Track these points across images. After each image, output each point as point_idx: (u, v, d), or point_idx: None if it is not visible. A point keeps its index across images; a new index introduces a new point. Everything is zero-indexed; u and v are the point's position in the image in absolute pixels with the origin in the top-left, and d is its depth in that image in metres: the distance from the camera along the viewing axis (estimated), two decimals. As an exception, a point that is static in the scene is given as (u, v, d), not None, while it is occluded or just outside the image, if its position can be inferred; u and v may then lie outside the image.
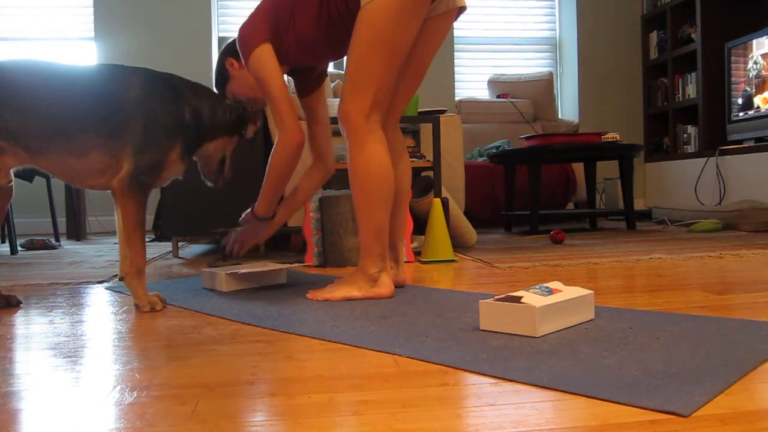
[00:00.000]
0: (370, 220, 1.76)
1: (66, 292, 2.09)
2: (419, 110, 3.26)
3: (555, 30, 6.07)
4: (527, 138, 4.06)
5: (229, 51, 1.98)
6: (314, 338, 1.36)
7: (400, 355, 1.19)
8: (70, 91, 1.67)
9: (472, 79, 5.92)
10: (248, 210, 2.03)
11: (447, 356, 1.16)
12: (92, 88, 1.69)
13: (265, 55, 1.79)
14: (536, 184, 3.84)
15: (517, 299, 1.33)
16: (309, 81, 1.99)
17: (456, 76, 5.87)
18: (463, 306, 1.63)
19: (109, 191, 1.76)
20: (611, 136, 4.06)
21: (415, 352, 1.20)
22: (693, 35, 5.14)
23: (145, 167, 1.70)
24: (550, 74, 5.52)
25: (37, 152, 1.67)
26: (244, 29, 1.83)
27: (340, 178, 3.10)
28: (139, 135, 1.70)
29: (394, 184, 1.78)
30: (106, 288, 2.17)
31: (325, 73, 2.02)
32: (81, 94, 1.68)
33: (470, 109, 5.36)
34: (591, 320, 1.42)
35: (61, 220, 4.51)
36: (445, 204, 2.81)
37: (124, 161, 1.70)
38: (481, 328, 1.36)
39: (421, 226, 2.81)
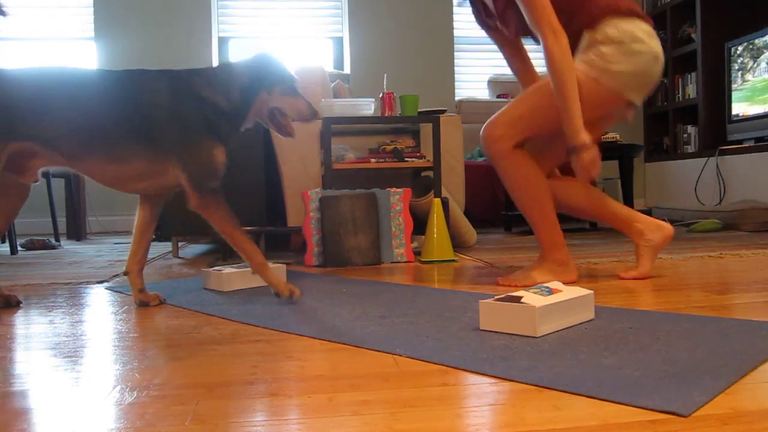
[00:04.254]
0: (543, 216, 1.97)
1: (66, 292, 2.09)
2: (419, 110, 3.26)
3: (555, 30, 6.07)
4: (527, 138, 4.05)
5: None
6: (314, 338, 1.36)
7: (400, 355, 1.19)
8: (105, 98, 1.68)
9: (472, 79, 5.92)
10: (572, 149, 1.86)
11: (447, 356, 1.16)
12: (124, 95, 1.69)
13: None
14: (536, 184, 3.82)
15: (517, 299, 1.33)
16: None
17: (456, 76, 5.87)
18: (463, 306, 1.63)
19: (123, 192, 1.79)
20: (611, 136, 4.06)
21: (415, 352, 1.20)
22: (693, 35, 5.14)
23: (202, 174, 1.69)
24: (550, 74, 5.50)
25: (76, 158, 1.68)
26: None
27: (340, 178, 3.10)
28: (179, 143, 1.68)
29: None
30: (106, 288, 2.17)
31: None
32: (115, 101, 1.68)
33: (470, 109, 5.36)
34: (591, 320, 1.42)
35: (61, 220, 4.51)
36: (445, 204, 2.81)
37: (171, 170, 1.69)
38: (481, 328, 1.36)
39: (421, 226, 2.81)
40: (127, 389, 1.03)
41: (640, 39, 1.87)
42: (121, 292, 2.04)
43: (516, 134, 1.95)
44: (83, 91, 1.67)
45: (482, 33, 2.21)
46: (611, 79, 1.87)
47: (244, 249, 1.73)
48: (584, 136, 1.83)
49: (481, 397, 0.96)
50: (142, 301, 1.80)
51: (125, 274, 1.84)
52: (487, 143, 1.99)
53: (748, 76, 4.44)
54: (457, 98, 5.65)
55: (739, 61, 4.55)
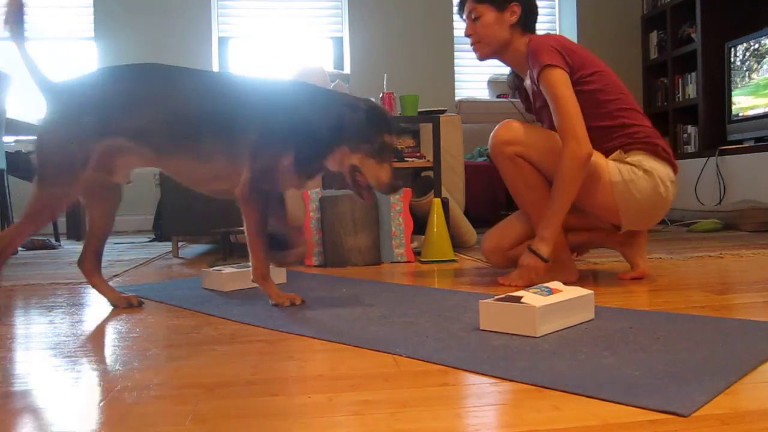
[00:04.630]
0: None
1: (66, 292, 2.09)
2: (419, 110, 3.25)
3: (555, 30, 6.06)
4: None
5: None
6: (314, 338, 1.36)
7: (400, 355, 1.19)
8: (195, 94, 1.68)
9: (472, 79, 5.92)
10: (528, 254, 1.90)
11: (447, 356, 1.16)
12: (213, 93, 1.69)
13: (563, 78, 1.89)
14: (536, 184, 3.82)
15: (517, 299, 1.33)
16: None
17: (456, 76, 5.87)
18: (463, 306, 1.63)
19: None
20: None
21: (415, 352, 1.20)
22: (693, 35, 5.14)
23: (260, 174, 1.67)
24: (550, 74, 5.50)
25: (164, 154, 1.67)
26: (542, 47, 1.91)
27: (340, 178, 3.09)
28: (254, 142, 1.66)
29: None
30: (106, 288, 2.16)
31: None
32: (204, 98, 1.68)
33: (470, 109, 5.36)
34: (591, 320, 1.42)
35: (61, 220, 4.51)
36: (445, 204, 2.81)
37: (243, 168, 1.67)
38: (481, 328, 1.36)
39: (421, 226, 2.81)
40: (127, 389, 1.03)
41: (666, 185, 1.93)
42: (121, 292, 2.04)
43: (523, 148, 1.97)
44: (176, 86, 1.68)
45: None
46: (624, 195, 1.91)
47: (255, 255, 1.72)
48: (548, 245, 1.87)
49: (481, 397, 0.96)
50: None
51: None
52: (495, 142, 2.01)
53: (753, 75, 4.44)
54: (457, 98, 5.65)
55: (740, 60, 4.55)
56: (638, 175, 1.90)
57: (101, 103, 1.63)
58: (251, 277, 1.75)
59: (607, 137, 1.95)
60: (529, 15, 2.04)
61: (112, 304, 1.79)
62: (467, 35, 2.08)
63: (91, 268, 1.81)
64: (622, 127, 1.95)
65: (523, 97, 2.21)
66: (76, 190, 1.64)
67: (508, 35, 2.02)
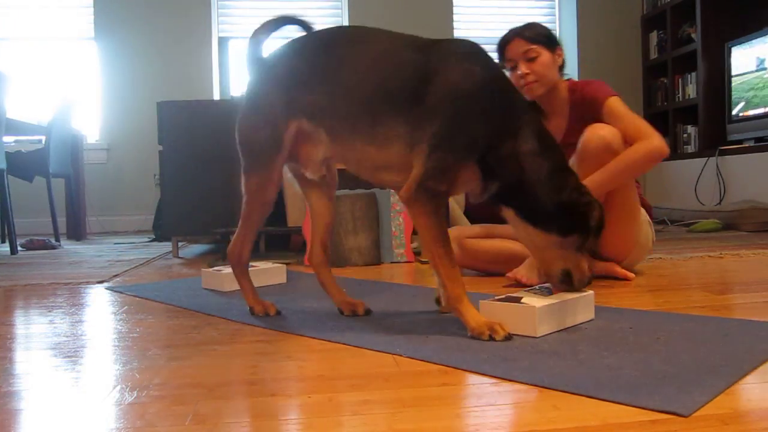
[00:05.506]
0: None
1: (66, 292, 2.09)
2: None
3: (555, 30, 6.07)
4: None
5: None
6: (314, 338, 1.35)
7: (400, 355, 1.19)
8: (380, 64, 1.41)
9: (472, 79, 5.92)
10: None
11: (447, 356, 1.16)
12: (402, 62, 1.40)
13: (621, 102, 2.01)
14: (536, 184, 3.82)
15: (517, 299, 1.33)
16: None
17: (456, 76, 5.86)
18: (463, 306, 1.62)
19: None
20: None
21: (415, 352, 1.20)
22: (693, 35, 5.13)
23: (433, 171, 1.33)
24: (550, 74, 5.50)
25: (338, 137, 1.43)
26: (601, 83, 2.08)
27: (340, 178, 3.09)
28: (437, 133, 1.33)
29: None
30: (106, 288, 2.16)
31: None
32: (390, 69, 1.40)
33: (470, 109, 5.35)
34: (591, 320, 1.42)
35: (61, 220, 4.50)
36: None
37: (416, 160, 1.36)
38: (481, 328, 1.36)
39: (421, 226, 2.81)
40: (127, 389, 1.03)
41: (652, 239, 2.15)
42: (121, 292, 2.04)
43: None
44: (355, 56, 1.43)
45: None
46: (644, 235, 2.03)
47: (441, 271, 1.35)
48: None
49: (481, 397, 0.96)
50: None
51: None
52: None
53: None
54: (457, 98, 5.64)
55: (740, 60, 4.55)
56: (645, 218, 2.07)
57: (286, 78, 1.45)
58: (443, 304, 1.45)
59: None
60: (564, 63, 2.14)
61: (338, 308, 1.58)
62: (522, 75, 2.06)
63: (318, 262, 1.63)
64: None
65: None
66: (275, 176, 1.49)
67: (557, 77, 2.10)
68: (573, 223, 1.35)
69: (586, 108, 2.03)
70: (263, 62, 1.51)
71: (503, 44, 2.10)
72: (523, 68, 2.06)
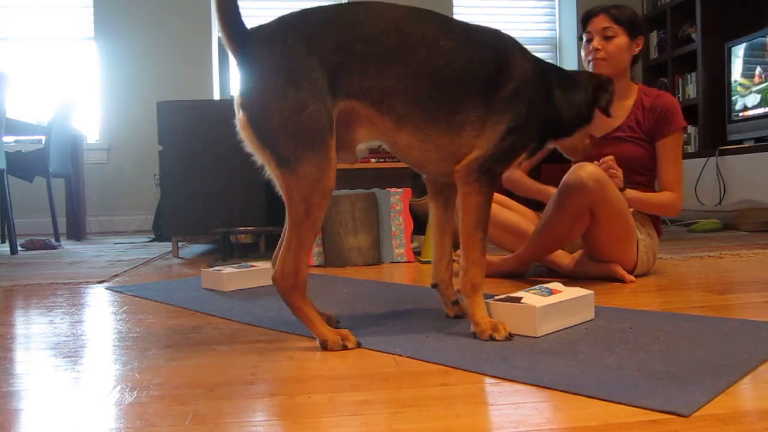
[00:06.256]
0: None
1: (66, 292, 2.09)
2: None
3: (555, 30, 6.07)
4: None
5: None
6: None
7: (400, 355, 1.19)
8: (466, 49, 1.33)
9: (472, 79, 5.92)
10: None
11: (447, 356, 1.16)
12: (485, 49, 1.35)
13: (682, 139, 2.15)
14: (536, 184, 3.83)
15: (517, 299, 1.33)
16: None
17: (456, 76, 5.86)
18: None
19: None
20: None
21: (415, 352, 1.20)
22: (693, 35, 5.13)
23: (502, 153, 1.33)
24: (550, 74, 5.50)
25: (410, 124, 1.30)
26: (679, 108, 2.13)
27: (340, 178, 3.09)
28: (516, 116, 1.34)
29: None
30: (106, 288, 2.16)
31: None
32: (477, 54, 1.34)
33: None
34: (591, 320, 1.42)
35: (61, 220, 4.50)
36: (445, 204, 2.80)
37: (479, 141, 1.33)
38: (481, 328, 1.36)
39: (421, 226, 2.81)
40: (127, 389, 1.03)
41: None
42: (121, 292, 2.04)
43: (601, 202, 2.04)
44: (424, 40, 1.30)
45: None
46: (634, 233, 2.04)
47: (469, 255, 1.35)
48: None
49: (481, 397, 0.96)
50: (456, 315, 1.50)
51: (434, 286, 1.54)
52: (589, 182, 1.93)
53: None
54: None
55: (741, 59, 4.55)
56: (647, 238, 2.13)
57: (332, 54, 1.25)
58: (456, 287, 1.42)
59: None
60: (640, 54, 2.16)
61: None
62: (593, 49, 2.09)
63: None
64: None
65: None
66: (334, 160, 1.26)
67: (628, 65, 2.12)
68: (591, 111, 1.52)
69: (656, 117, 2.09)
70: (294, 32, 1.29)
71: (589, 16, 2.14)
72: (596, 43, 2.09)
